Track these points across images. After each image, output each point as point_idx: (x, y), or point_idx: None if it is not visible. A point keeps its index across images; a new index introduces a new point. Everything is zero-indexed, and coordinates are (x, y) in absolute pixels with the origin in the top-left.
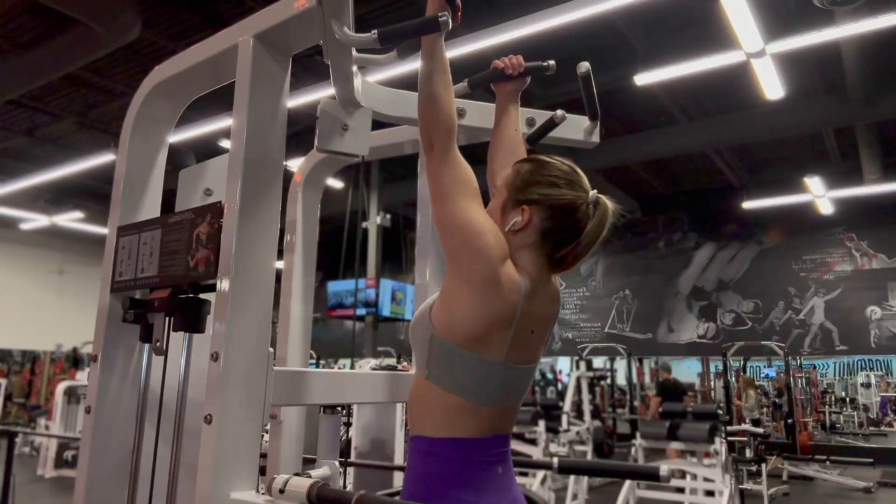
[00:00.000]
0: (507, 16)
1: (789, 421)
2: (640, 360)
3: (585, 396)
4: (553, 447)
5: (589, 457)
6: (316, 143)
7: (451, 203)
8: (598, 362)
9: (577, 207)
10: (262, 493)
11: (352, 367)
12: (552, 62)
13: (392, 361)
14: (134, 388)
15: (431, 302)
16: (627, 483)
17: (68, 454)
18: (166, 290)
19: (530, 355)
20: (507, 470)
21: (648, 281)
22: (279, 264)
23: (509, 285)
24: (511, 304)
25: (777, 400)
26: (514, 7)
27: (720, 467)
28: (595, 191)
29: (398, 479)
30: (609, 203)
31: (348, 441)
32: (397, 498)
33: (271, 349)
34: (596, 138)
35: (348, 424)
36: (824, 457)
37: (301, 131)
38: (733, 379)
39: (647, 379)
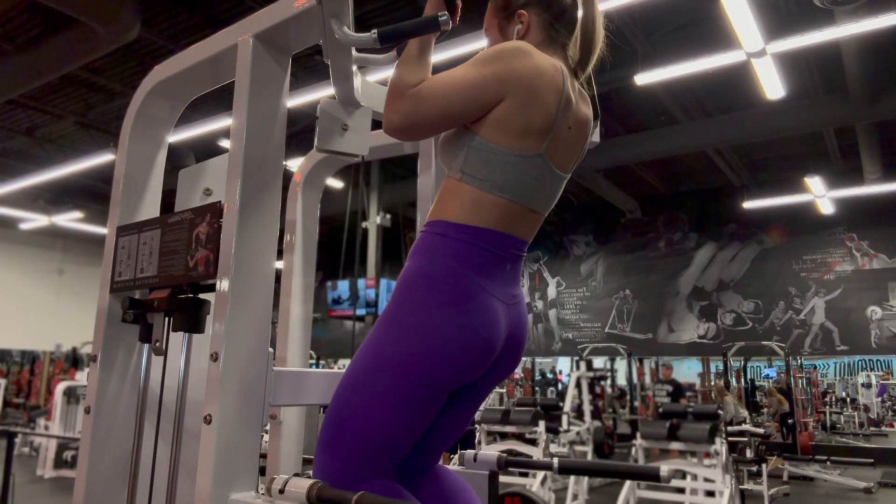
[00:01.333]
0: None
1: (789, 421)
2: (641, 361)
3: (586, 397)
4: (553, 447)
5: (589, 457)
6: (316, 142)
7: (456, 86)
8: (599, 362)
9: None
10: (262, 494)
11: None
12: None
13: None
14: (133, 389)
15: None
16: (627, 483)
17: (68, 454)
18: (166, 291)
19: (565, 160)
20: (515, 270)
21: (649, 281)
22: (279, 264)
23: (551, 69)
24: (557, 88)
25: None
26: None
27: (720, 467)
28: None
29: None
30: None
31: None
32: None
33: (271, 349)
34: (596, 138)
35: None
36: (825, 457)
37: (301, 131)
38: (734, 379)
39: (647, 379)
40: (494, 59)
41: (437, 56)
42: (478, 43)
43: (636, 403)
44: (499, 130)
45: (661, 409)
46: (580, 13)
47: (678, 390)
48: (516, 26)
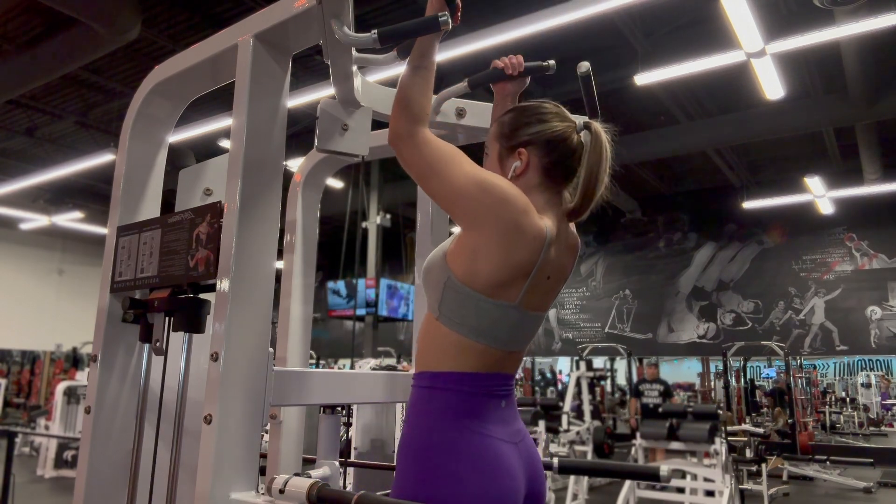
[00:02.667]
0: (507, 15)
1: (790, 421)
2: (641, 361)
3: (586, 397)
4: (553, 447)
5: (589, 457)
6: (316, 142)
7: (446, 173)
8: (599, 362)
9: (568, 136)
10: (262, 494)
11: (352, 367)
12: (552, 62)
13: (392, 361)
14: (134, 389)
15: (447, 246)
16: (627, 483)
17: (68, 454)
18: (166, 290)
19: (543, 303)
20: (511, 405)
21: (648, 281)
22: (279, 264)
23: (533, 232)
24: (535, 251)
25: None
26: (514, 7)
27: (720, 467)
28: (583, 118)
29: None
30: (600, 126)
31: (348, 441)
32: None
33: (271, 349)
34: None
35: (348, 424)
36: (824, 457)
37: (301, 131)
38: (733, 379)
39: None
40: (490, 191)
41: (438, 56)
42: (478, 43)
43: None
44: (470, 273)
45: (660, 410)
46: (585, 163)
47: (668, 390)
48: (515, 162)
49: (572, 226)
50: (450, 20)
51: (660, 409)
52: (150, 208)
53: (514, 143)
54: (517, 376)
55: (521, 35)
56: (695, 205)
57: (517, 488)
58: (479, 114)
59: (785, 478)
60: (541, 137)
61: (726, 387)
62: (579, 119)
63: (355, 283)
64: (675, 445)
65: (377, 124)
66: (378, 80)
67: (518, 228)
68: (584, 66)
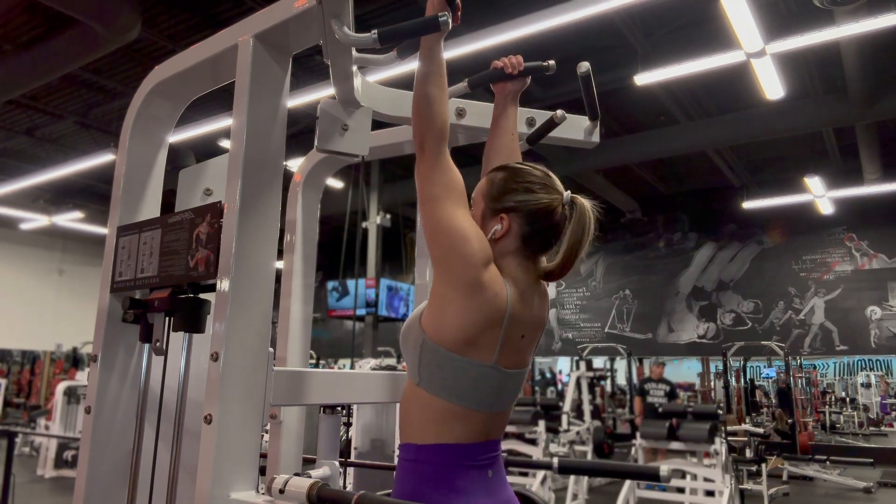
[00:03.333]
0: (507, 16)
1: (789, 421)
2: (641, 361)
3: (585, 397)
4: (553, 447)
5: (589, 457)
6: (316, 142)
7: (439, 207)
8: (599, 362)
9: (553, 210)
10: (262, 493)
11: (352, 367)
12: (552, 62)
13: (392, 361)
14: (134, 389)
15: (421, 309)
16: (627, 483)
17: (68, 454)
18: (166, 290)
19: (521, 360)
20: (498, 473)
21: (648, 281)
22: (279, 264)
23: (494, 289)
24: (499, 309)
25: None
26: (514, 7)
27: (720, 467)
28: (569, 192)
29: None
30: (585, 202)
31: (348, 441)
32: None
33: (271, 349)
34: (596, 138)
35: (348, 424)
36: (824, 457)
37: (301, 131)
38: (733, 379)
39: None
40: (462, 243)
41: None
42: (478, 43)
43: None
44: (442, 331)
45: (660, 409)
46: (568, 235)
47: (673, 391)
48: (496, 226)
49: (541, 284)
50: (450, 20)
51: (659, 409)
52: (151, 208)
53: (499, 207)
54: None
55: (521, 35)
56: (695, 205)
57: None
58: (480, 114)
59: (785, 478)
60: (525, 207)
61: (726, 387)
62: (566, 193)
63: (341, 282)
64: (675, 445)
65: (377, 124)
66: (378, 80)
67: (478, 284)
68: (584, 66)
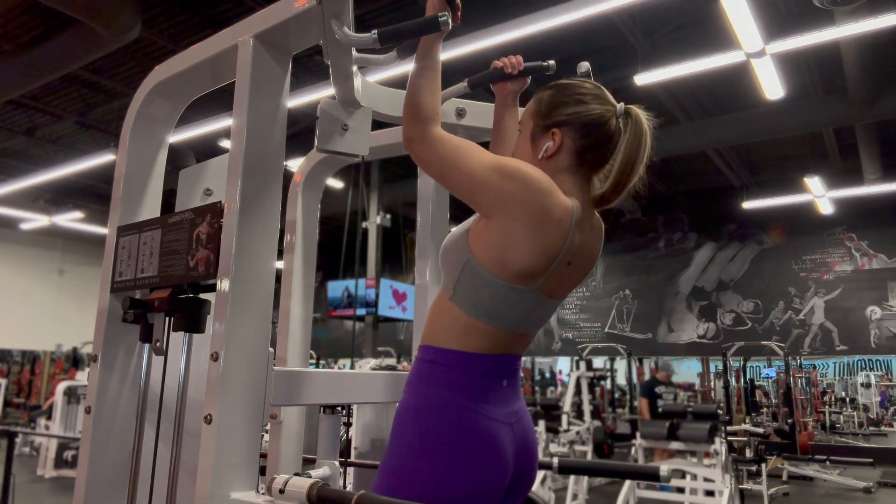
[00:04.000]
0: (507, 16)
1: (789, 421)
2: (640, 361)
3: (585, 396)
4: (553, 447)
5: (589, 457)
6: (316, 143)
7: (464, 166)
8: (599, 362)
9: (607, 121)
10: (262, 493)
11: (352, 367)
12: (552, 62)
13: (392, 361)
14: (134, 389)
15: (468, 225)
16: (627, 483)
17: (68, 454)
18: (166, 290)
19: (561, 290)
20: (513, 384)
21: (648, 281)
22: (279, 264)
23: (560, 213)
24: (563, 233)
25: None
26: (514, 7)
27: (720, 467)
28: (622, 103)
29: None
30: (641, 112)
31: (348, 441)
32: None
33: (271, 349)
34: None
35: (348, 424)
36: (824, 457)
37: (301, 131)
38: (733, 379)
39: (646, 379)
40: (509, 176)
41: (441, 56)
42: (478, 43)
43: (636, 403)
44: (492, 260)
45: (660, 409)
46: (622, 149)
47: (675, 397)
48: (548, 142)
49: (596, 215)
50: (450, 20)
51: (659, 409)
52: (151, 208)
53: (550, 123)
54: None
55: (521, 35)
56: (695, 205)
57: (503, 469)
58: (480, 114)
59: (785, 478)
60: (577, 119)
61: (726, 387)
62: (620, 105)
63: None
64: (675, 445)
65: (377, 124)
66: (378, 80)
67: (544, 211)
68: (584, 66)
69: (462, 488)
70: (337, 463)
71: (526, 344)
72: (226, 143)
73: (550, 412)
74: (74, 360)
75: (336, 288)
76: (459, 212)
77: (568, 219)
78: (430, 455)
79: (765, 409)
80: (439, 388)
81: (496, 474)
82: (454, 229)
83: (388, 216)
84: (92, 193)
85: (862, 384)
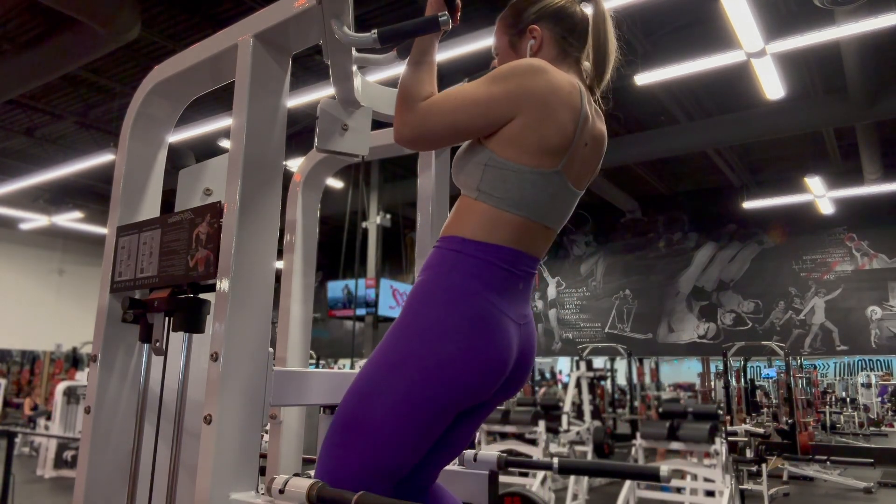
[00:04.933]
0: None
1: (790, 421)
2: (641, 361)
3: (586, 397)
4: (553, 447)
5: (589, 457)
6: (316, 142)
7: (465, 104)
8: (599, 362)
9: (571, 4)
10: (262, 494)
11: (352, 367)
12: None
13: None
14: (133, 389)
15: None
16: (627, 483)
17: (68, 454)
18: (166, 291)
19: (581, 175)
20: (527, 288)
21: (649, 281)
22: (279, 264)
23: (567, 86)
24: (575, 105)
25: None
26: None
27: (720, 467)
28: None
29: None
30: None
31: None
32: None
33: (271, 349)
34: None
35: None
36: (825, 457)
37: (301, 131)
38: (733, 379)
39: (647, 379)
40: (506, 77)
41: (438, 56)
42: (478, 43)
43: (636, 403)
44: (515, 147)
45: (660, 410)
46: (591, 28)
47: None
48: (529, 42)
49: (596, 102)
50: (450, 20)
51: (659, 410)
52: (150, 208)
53: (523, 25)
54: None
55: None
56: (695, 205)
57: (507, 360)
58: None
59: (785, 478)
60: (547, 10)
61: (726, 387)
62: None
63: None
64: (675, 445)
65: (377, 124)
66: (378, 79)
67: (552, 88)
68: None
69: (466, 370)
70: None
71: (548, 242)
72: (225, 143)
73: (550, 412)
74: (74, 361)
75: (336, 288)
76: None
77: (576, 91)
78: (442, 333)
79: (765, 410)
80: (461, 277)
81: (501, 365)
82: (463, 145)
83: (388, 216)
84: (92, 193)
85: (862, 384)
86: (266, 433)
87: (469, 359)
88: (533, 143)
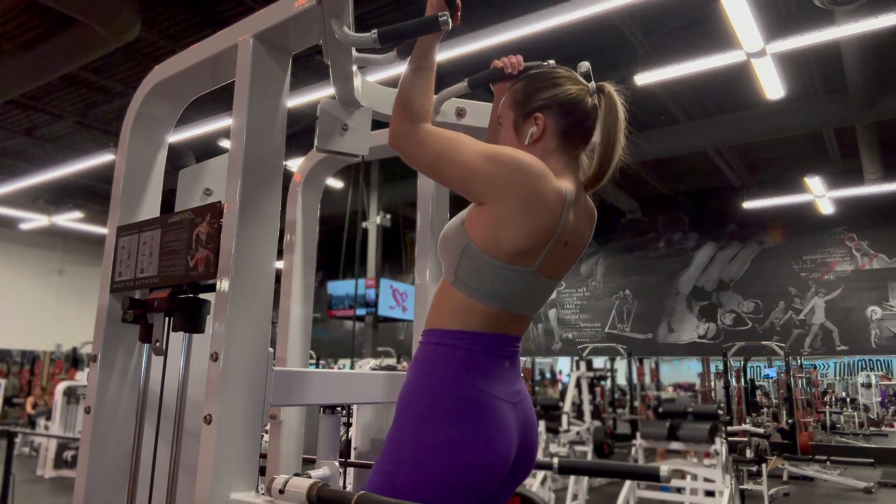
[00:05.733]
0: (506, 15)
1: (790, 421)
2: (641, 361)
3: (586, 397)
4: (553, 447)
5: (589, 457)
6: (316, 142)
7: (455, 157)
8: (599, 362)
9: (583, 98)
10: (262, 494)
11: (352, 367)
12: (552, 62)
13: (392, 361)
14: (133, 389)
15: (464, 215)
16: (627, 483)
17: (68, 454)
18: (166, 290)
19: (558, 271)
20: (515, 367)
21: (648, 281)
22: (279, 264)
23: (553, 196)
24: (556, 215)
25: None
26: (514, 7)
27: (720, 467)
28: (594, 81)
29: None
30: (612, 86)
31: (348, 441)
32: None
33: (271, 349)
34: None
35: (348, 425)
36: (825, 457)
37: (301, 131)
38: (733, 379)
39: (647, 379)
40: (500, 162)
41: (438, 56)
42: (478, 43)
43: (636, 403)
44: (490, 241)
45: (660, 410)
46: (601, 125)
47: None
48: (531, 128)
49: (588, 197)
50: (450, 20)
51: (659, 409)
52: (150, 208)
53: (530, 109)
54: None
55: (521, 35)
56: (695, 205)
57: (509, 446)
58: (480, 114)
59: (785, 478)
60: (555, 101)
61: (726, 387)
62: (592, 83)
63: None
64: (675, 445)
65: (377, 124)
66: (378, 80)
67: (537, 194)
68: (584, 66)
69: (471, 457)
70: (337, 463)
71: (525, 326)
72: (225, 143)
73: (550, 412)
74: (74, 361)
75: (338, 288)
76: (459, 211)
77: (561, 201)
78: (438, 425)
79: (765, 410)
80: (445, 368)
81: (503, 448)
82: (451, 220)
83: (388, 216)
84: (91, 193)
85: (862, 384)
86: (266, 433)
87: (473, 446)
88: (507, 239)
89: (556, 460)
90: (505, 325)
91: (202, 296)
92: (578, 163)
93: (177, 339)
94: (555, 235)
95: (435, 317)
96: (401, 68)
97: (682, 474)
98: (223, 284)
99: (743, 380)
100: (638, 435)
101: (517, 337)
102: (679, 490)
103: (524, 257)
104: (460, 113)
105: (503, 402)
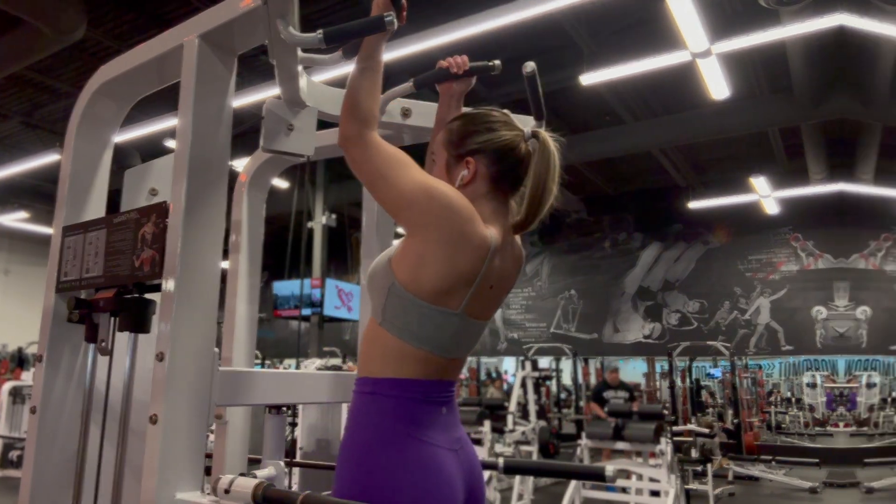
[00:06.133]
0: (453, 15)
1: (735, 421)
2: (586, 361)
3: (531, 397)
4: (498, 447)
5: (534, 457)
6: (261, 142)
7: (395, 179)
8: (544, 362)
9: (517, 145)
10: (208, 494)
11: (297, 367)
12: (498, 62)
13: (337, 362)
14: (79, 389)
15: (392, 252)
16: (573, 483)
17: (13, 454)
18: (112, 290)
19: (486, 311)
20: (452, 412)
21: (594, 281)
22: (224, 264)
23: (478, 241)
24: (478, 259)
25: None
26: (460, 7)
27: (665, 467)
28: (530, 127)
29: None
30: (548, 135)
31: (293, 441)
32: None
33: (216, 349)
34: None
35: (293, 425)
36: (770, 457)
37: (246, 131)
38: (679, 379)
39: (592, 379)
40: (432, 196)
41: (384, 56)
42: (424, 43)
43: (581, 403)
44: (414, 280)
45: (606, 409)
46: (532, 172)
47: (632, 395)
48: (463, 171)
49: (517, 238)
50: (395, 20)
51: (605, 409)
52: (96, 208)
53: (462, 152)
54: (462, 376)
55: (466, 35)
56: (640, 205)
57: (455, 496)
58: (425, 114)
59: (730, 478)
60: (489, 147)
61: (672, 387)
62: (527, 127)
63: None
64: (620, 445)
65: (323, 124)
66: (323, 80)
67: (462, 236)
68: (530, 66)
69: None
70: (282, 463)
71: (458, 369)
72: (171, 143)
73: (496, 412)
74: (20, 361)
75: (284, 288)
76: None
77: (486, 247)
78: (381, 489)
79: (711, 410)
80: (381, 419)
81: (449, 500)
82: (379, 257)
83: (334, 216)
84: (37, 193)
85: (807, 384)
86: (212, 433)
87: (420, 498)
88: (429, 277)
89: (501, 460)
90: (439, 370)
91: (148, 296)
92: (508, 208)
93: (122, 339)
94: (478, 279)
95: (366, 364)
96: (347, 68)
97: (627, 474)
98: (169, 284)
99: (688, 380)
100: (583, 435)
101: (452, 381)
102: (624, 490)
103: (447, 298)
104: (406, 113)
105: (445, 450)
